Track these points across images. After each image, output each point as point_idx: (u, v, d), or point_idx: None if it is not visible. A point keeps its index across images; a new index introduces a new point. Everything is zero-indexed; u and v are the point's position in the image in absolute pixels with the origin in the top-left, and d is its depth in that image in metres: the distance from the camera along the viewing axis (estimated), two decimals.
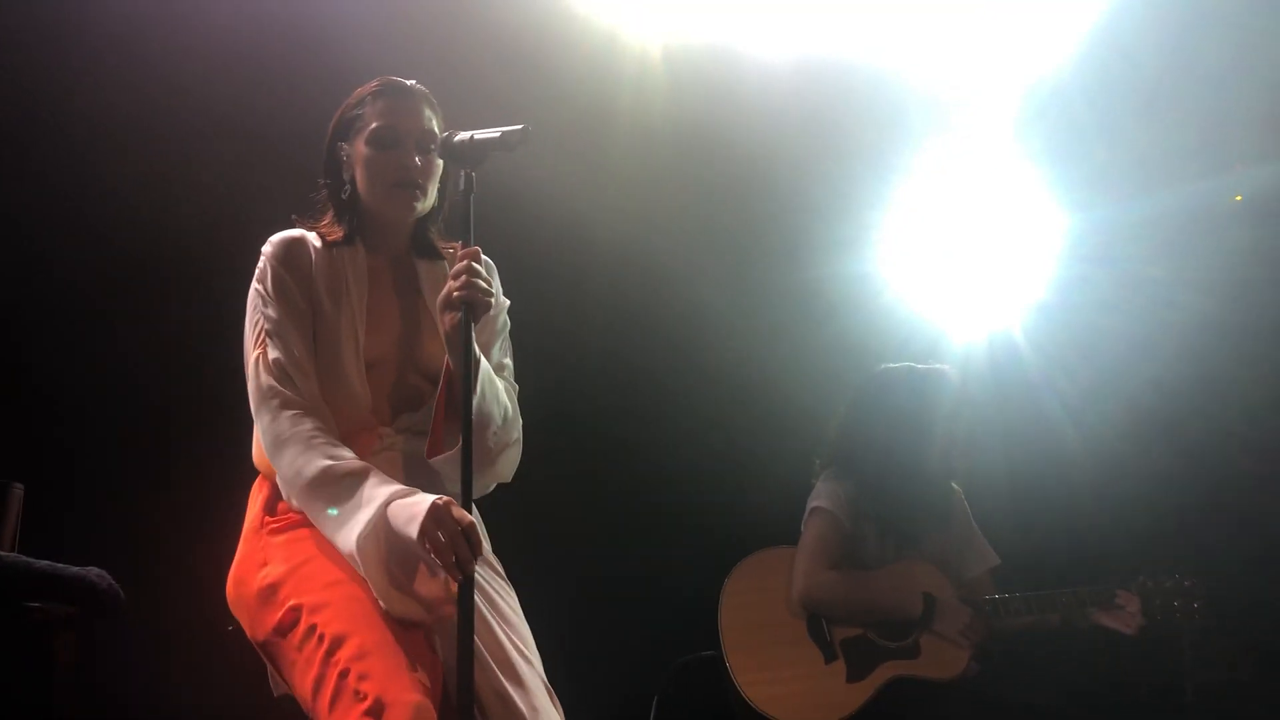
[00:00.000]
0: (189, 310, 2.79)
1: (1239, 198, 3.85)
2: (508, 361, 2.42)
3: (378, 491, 2.02)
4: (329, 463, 2.06)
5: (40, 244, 3.32)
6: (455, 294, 2.07)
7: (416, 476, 2.17)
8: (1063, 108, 3.86)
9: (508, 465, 2.31)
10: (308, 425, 2.10)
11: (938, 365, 3.47)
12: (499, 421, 2.21)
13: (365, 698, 1.86)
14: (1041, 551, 3.83)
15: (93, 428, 3.35)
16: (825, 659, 3.22)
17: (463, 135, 2.11)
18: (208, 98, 3.45)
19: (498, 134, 2.05)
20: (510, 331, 2.44)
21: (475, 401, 2.09)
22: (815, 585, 3.24)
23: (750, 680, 3.16)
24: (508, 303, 2.44)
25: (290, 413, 2.11)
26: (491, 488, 2.34)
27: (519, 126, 2.04)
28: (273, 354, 2.15)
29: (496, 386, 2.24)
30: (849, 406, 3.52)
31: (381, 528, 2.01)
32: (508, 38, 3.67)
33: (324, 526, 2.06)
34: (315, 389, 2.15)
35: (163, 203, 3.41)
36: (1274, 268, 3.74)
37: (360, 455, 2.14)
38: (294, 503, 2.11)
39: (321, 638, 1.97)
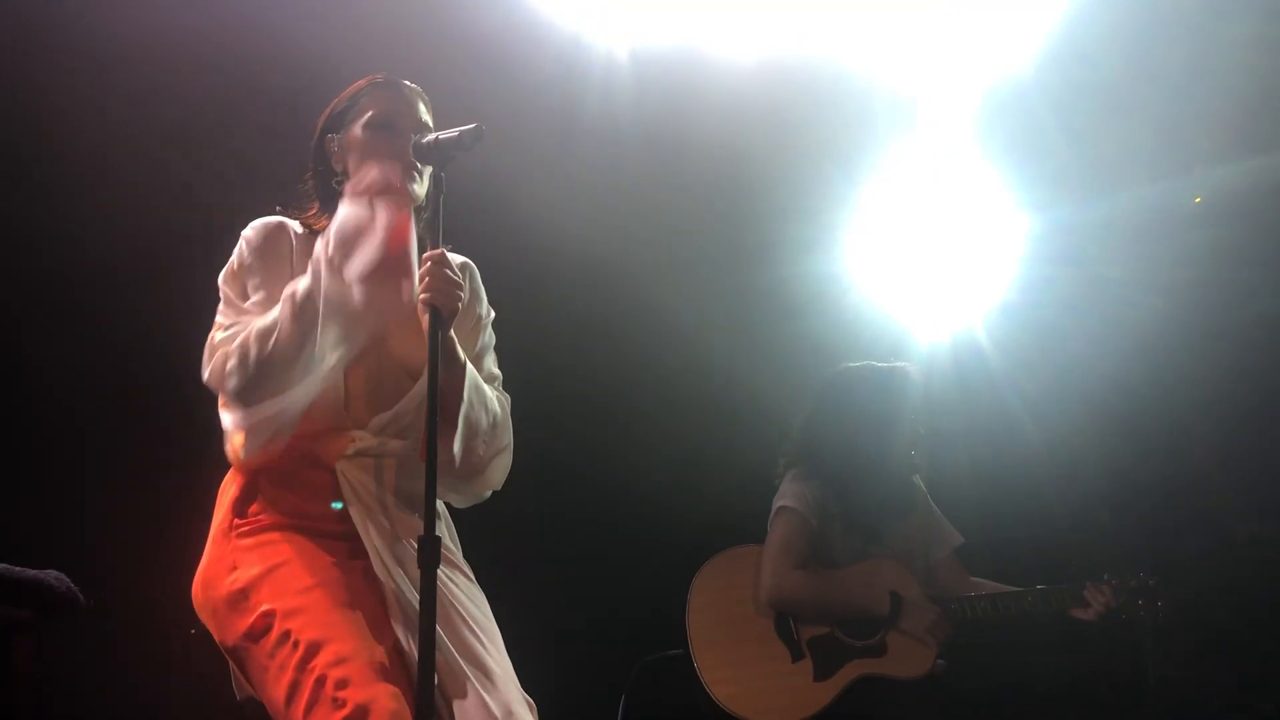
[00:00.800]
0: (156, 304, 2.77)
1: (1199, 199, 3.90)
2: (497, 372, 2.43)
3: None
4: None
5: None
6: (421, 296, 2.06)
7: (390, 480, 2.18)
8: (1024, 109, 3.89)
9: (498, 472, 2.32)
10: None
11: (898, 363, 3.50)
12: (486, 427, 2.22)
13: (344, 705, 1.84)
14: (1005, 546, 3.87)
15: (51, 427, 3.32)
16: (792, 657, 3.23)
17: (429, 137, 2.12)
18: (168, 98, 3.43)
19: (455, 134, 2.06)
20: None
21: (463, 409, 2.11)
22: (782, 585, 3.25)
23: (718, 679, 3.17)
24: (493, 314, 2.45)
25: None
26: (486, 495, 2.35)
27: (473, 125, 2.04)
28: (223, 333, 2.14)
29: (484, 393, 2.24)
30: (812, 406, 3.54)
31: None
32: (473, 41, 3.66)
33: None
34: None
35: (128, 201, 3.38)
36: (1232, 268, 3.80)
37: (331, 458, 2.15)
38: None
39: (296, 644, 1.95)
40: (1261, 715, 3.75)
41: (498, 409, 2.29)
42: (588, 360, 4.14)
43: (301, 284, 2.04)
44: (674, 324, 4.20)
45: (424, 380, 2.09)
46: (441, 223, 2.08)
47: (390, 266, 2.04)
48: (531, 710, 2.10)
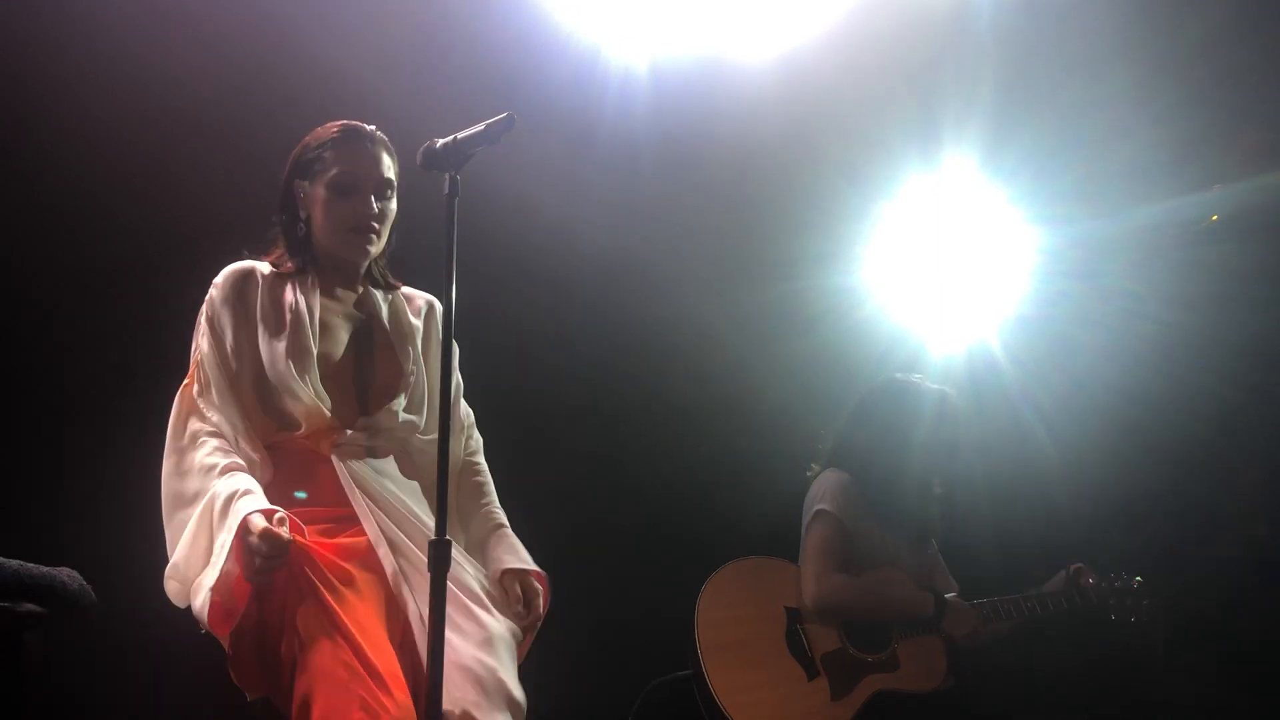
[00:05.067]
0: (173, 297, 2.79)
1: (1215, 218, 3.90)
2: (466, 412, 2.58)
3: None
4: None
5: (9, 239, 3.34)
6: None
7: (384, 469, 2.30)
8: (1037, 123, 3.90)
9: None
10: (202, 452, 2.21)
11: (923, 381, 3.52)
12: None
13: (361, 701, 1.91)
14: (1018, 560, 3.86)
15: (67, 426, 3.36)
16: (808, 676, 3.18)
17: (444, 140, 2.14)
18: (194, 100, 3.48)
19: (482, 127, 2.08)
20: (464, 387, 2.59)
21: None
22: (826, 589, 3.23)
23: (737, 702, 3.08)
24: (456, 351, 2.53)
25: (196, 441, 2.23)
26: None
27: (503, 115, 2.06)
28: (196, 389, 2.28)
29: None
30: (854, 408, 3.58)
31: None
32: (493, 53, 3.71)
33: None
34: (226, 420, 2.24)
35: (156, 190, 3.44)
36: (1246, 283, 3.79)
37: (325, 451, 2.27)
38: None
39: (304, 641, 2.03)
40: None
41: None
42: (599, 372, 4.15)
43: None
44: (690, 336, 4.22)
45: (401, 393, 2.35)
46: (455, 228, 2.10)
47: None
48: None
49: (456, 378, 2.53)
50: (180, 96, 3.42)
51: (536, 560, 2.44)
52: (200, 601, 2.09)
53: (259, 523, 2.03)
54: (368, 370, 2.38)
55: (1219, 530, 3.84)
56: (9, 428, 3.28)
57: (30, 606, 2.21)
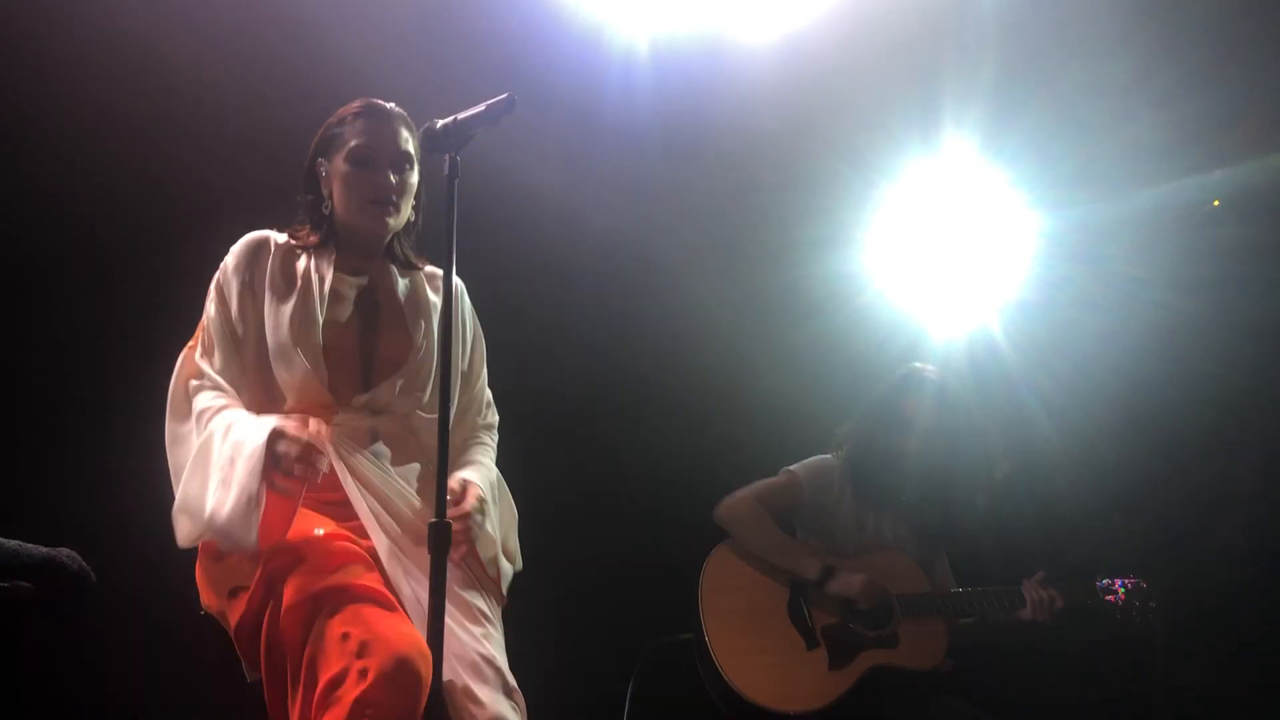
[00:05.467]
0: (173, 274, 2.80)
1: (1217, 203, 3.89)
2: (488, 396, 2.55)
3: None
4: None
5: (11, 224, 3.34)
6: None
7: (369, 450, 2.26)
8: (1039, 106, 3.89)
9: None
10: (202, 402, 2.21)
11: (924, 369, 3.53)
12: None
13: (350, 638, 1.89)
14: (1019, 547, 3.87)
15: (66, 407, 3.35)
16: (807, 646, 3.23)
17: (445, 121, 2.13)
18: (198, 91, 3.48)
19: (482, 108, 2.08)
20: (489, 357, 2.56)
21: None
22: (736, 506, 3.36)
23: (734, 665, 3.15)
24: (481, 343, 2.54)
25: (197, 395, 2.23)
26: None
27: (503, 96, 2.06)
28: (198, 353, 2.28)
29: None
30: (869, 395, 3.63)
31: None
32: (493, 33, 3.70)
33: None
34: (227, 381, 2.25)
35: (166, 166, 3.44)
36: (1249, 265, 3.78)
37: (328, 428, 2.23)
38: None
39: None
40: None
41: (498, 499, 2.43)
42: (603, 352, 4.16)
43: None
44: (690, 319, 4.21)
45: (404, 368, 2.30)
46: (456, 209, 2.10)
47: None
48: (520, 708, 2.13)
49: (481, 364, 2.53)
50: (180, 78, 3.43)
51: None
52: (230, 517, 2.03)
53: (289, 429, 2.05)
54: (374, 344, 2.34)
55: (1220, 515, 3.84)
56: (8, 409, 3.28)
57: (30, 586, 2.22)
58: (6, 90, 3.31)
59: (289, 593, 2.01)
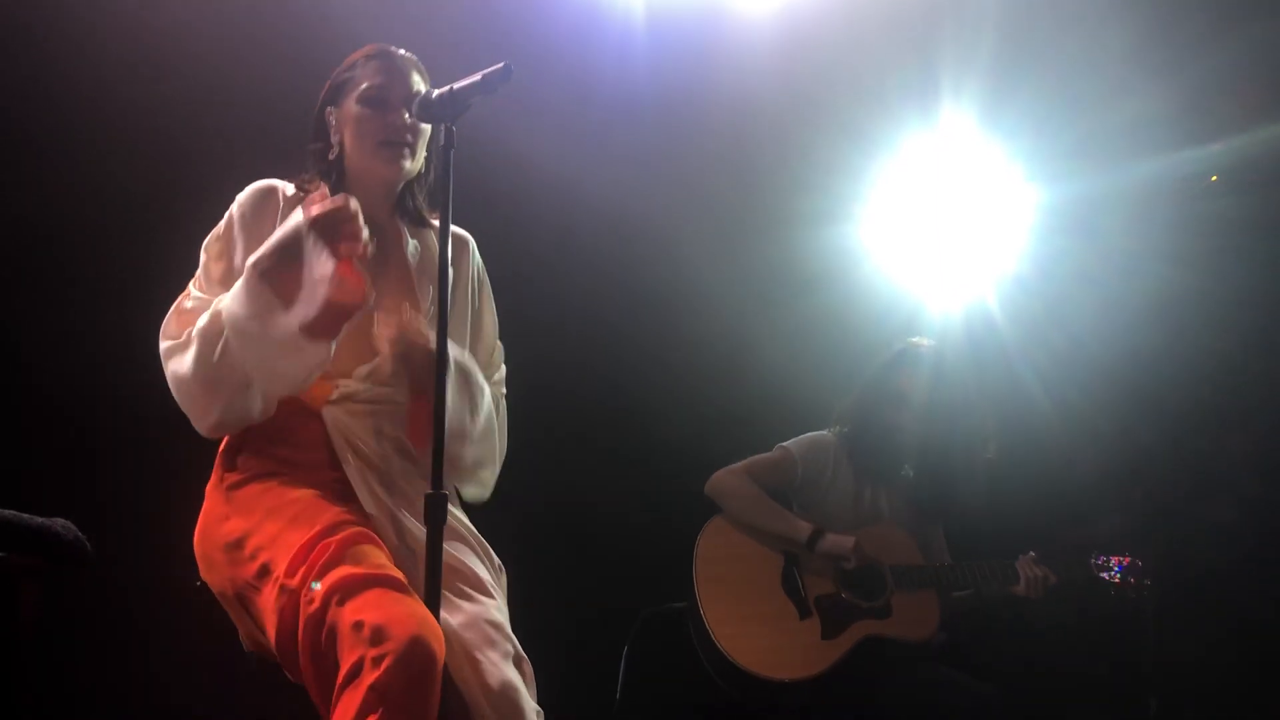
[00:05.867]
0: (160, 259, 2.78)
1: (1215, 178, 3.88)
2: (499, 356, 2.49)
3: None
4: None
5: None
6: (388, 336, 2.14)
7: (377, 425, 2.22)
8: (1036, 79, 3.88)
9: (484, 479, 2.36)
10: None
11: (920, 343, 3.56)
12: (474, 432, 2.26)
13: (362, 628, 1.85)
14: (1015, 519, 3.88)
15: (62, 378, 3.33)
16: (800, 615, 3.26)
17: (440, 90, 2.11)
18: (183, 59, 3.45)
19: (478, 77, 2.04)
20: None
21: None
22: (726, 478, 3.38)
23: (727, 633, 3.18)
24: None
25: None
26: (472, 497, 2.38)
27: (500, 65, 2.02)
28: (188, 303, 2.19)
29: (477, 400, 2.26)
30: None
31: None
32: (489, 1, 3.68)
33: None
34: None
35: (144, 147, 3.42)
36: (1246, 237, 3.78)
37: (316, 404, 2.19)
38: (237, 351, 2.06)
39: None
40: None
41: (490, 412, 2.33)
42: (599, 323, 4.16)
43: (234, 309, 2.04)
44: (689, 291, 4.21)
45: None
46: (452, 180, 2.08)
47: (321, 328, 2.03)
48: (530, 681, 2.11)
49: (490, 320, 2.49)
50: (175, 39, 3.39)
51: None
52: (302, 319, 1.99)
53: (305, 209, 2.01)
54: (379, 308, 2.22)
55: (1214, 489, 3.86)
56: (4, 380, 3.28)
57: (25, 557, 2.21)
58: None
59: (304, 596, 1.95)
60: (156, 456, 2.95)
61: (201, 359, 2.07)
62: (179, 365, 2.12)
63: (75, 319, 3.36)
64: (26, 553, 2.20)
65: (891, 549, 3.36)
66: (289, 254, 2.01)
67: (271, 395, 2.13)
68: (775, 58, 3.97)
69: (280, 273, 2.01)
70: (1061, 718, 3.88)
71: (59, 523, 2.29)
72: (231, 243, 2.24)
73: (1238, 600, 3.83)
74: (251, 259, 2.04)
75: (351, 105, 2.30)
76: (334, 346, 2.07)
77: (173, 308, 2.21)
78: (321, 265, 1.99)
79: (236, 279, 2.11)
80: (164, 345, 2.17)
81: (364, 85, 2.29)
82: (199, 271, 2.26)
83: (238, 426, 2.16)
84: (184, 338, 2.12)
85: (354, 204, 2.02)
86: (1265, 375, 3.84)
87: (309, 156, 2.37)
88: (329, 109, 2.35)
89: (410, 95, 2.28)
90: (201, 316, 2.10)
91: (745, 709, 3.24)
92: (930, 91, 4.03)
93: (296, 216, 2.04)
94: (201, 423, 2.14)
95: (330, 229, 1.99)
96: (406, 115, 2.27)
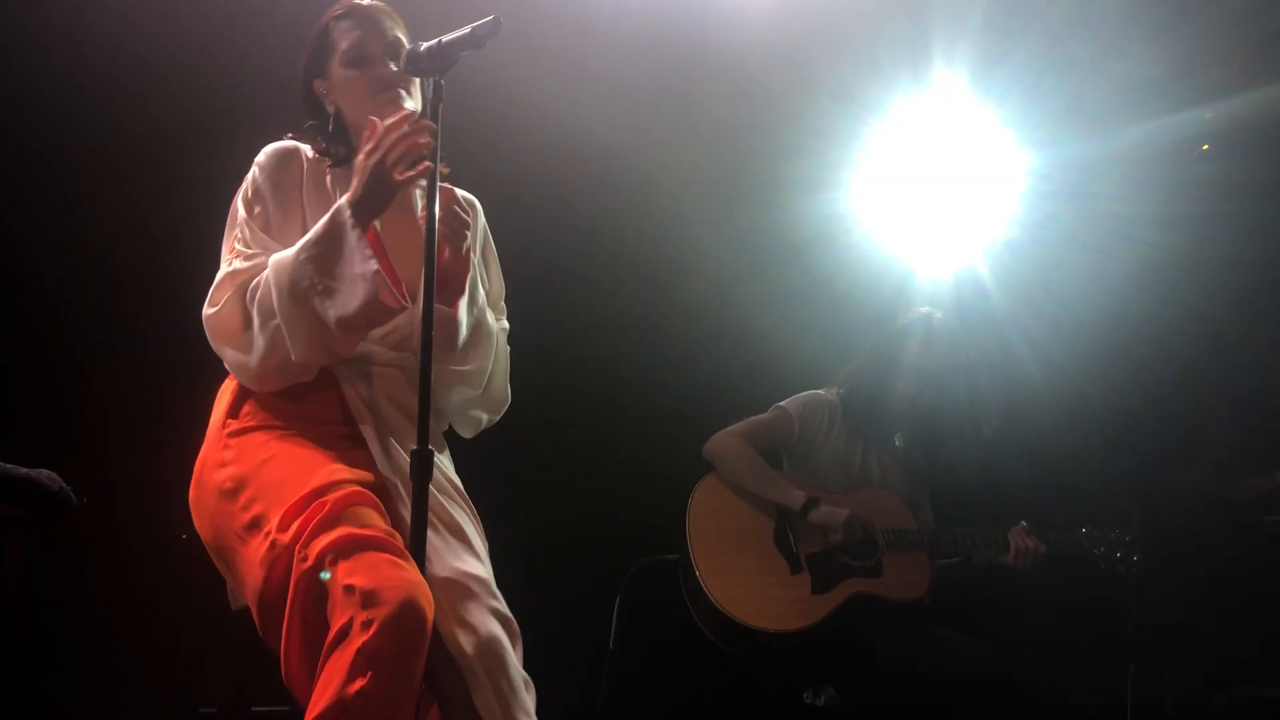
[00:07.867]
0: (155, 203, 2.75)
1: (1206, 147, 3.87)
2: (504, 320, 2.49)
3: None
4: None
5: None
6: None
7: (388, 389, 2.21)
8: (1028, 43, 3.86)
9: (496, 393, 2.41)
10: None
11: (917, 310, 3.57)
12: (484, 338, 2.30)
13: (354, 591, 1.85)
14: (1003, 484, 3.90)
15: (46, 324, 3.32)
16: (791, 570, 3.28)
17: (428, 44, 2.08)
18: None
19: (467, 30, 2.01)
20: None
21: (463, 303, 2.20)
22: (725, 441, 3.40)
23: (718, 584, 3.21)
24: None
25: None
26: (484, 420, 2.43)
27: (489, 19, 1.99)
28: (240, 264, 2.16)
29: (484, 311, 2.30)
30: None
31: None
32: None
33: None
34: None
35: (132, 100, 3.39)
36: (1235, 202, 3.78)
37: (333, 365, 2.18)
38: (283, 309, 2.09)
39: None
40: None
41: (494, 331, 2.34)
42: (591, 288, 4.16)
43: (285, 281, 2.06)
44: (679, 257, 4.19)
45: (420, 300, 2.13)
46: (440, 132, 2.06)
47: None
48: (517, 640, 2.11)
49: (497, 276, 2.49)
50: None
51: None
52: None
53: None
54: (400, 265, 2.18)
55: (1196, 453, 3.88)
56: None
57: (9, 508, 2.20)
58: None
59: (298, 553, 1.94)
60: (145, 404, 2.93)
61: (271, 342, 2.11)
62: (240, 343, 2.14)
63: (60, 257, 3.33)
64: (10, 504, 2.18)
65: (883, 513, 3.38)
66: (331, 248, 2.04)
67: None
68: (766, 18, 3.95)
69: (323, 262, 2.04)
70: (1042, 681, 3.90)
71: (44, 474, 2.27)
72: (263, 198, 2.23)
73: (1215, 562, 3.85)
74: (298, 246, 2.06)
75: (337, 70, 2.29)
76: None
77: (220, 274, 2.19)
78: (364, 263, 2.02)
79: (275, 227, 2.17)
80: (214, 310, 2.16)
81: (343, 46, 2.28)
82: (237, 233, 2.22)
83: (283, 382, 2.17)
84: (247, 308, 2.12)
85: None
86: (1247, 338, 3.85)
87: (307, 134, 2.35)
88: (316, 81, 2.34)
89: (390, 42, 2.28)
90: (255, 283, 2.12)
91: (735, 660, 3.27)
92: (922, 54, 4.02)
93: (338, 202, 2.05)
94: (259, 383, 2.18)
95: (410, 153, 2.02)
96: (393, 65, 2.25)
